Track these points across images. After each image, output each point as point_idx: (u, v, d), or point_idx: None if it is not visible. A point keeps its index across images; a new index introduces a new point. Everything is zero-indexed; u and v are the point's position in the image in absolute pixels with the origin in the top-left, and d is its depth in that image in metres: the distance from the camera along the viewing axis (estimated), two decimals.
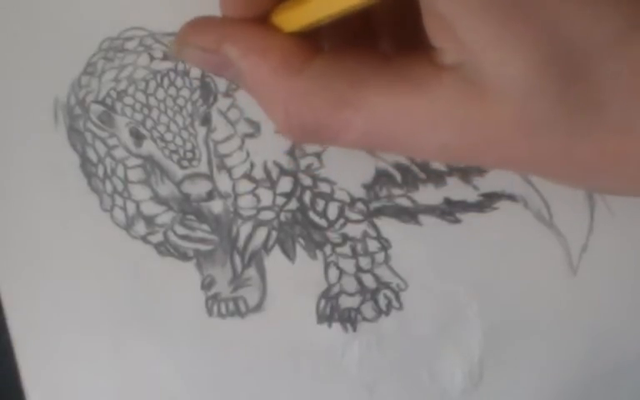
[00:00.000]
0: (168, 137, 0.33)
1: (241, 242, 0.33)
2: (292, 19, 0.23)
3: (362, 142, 0.23)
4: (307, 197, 0.33)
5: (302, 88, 0.23)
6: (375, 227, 0.33)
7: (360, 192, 0.33)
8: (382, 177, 0.33)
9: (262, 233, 0.33)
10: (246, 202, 0.33)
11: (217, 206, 0.33)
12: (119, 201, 0.33)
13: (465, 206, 0.33)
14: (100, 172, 0.33)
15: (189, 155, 0.33)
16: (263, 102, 0.24)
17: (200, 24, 0.24)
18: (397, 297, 0.33)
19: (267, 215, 0.33)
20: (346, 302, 0.33)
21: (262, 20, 0.24)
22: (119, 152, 0.33)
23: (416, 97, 0.22)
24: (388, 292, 0.33)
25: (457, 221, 0.33)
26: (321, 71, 0.23)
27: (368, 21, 0.26)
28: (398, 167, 0.33)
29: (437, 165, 0.33)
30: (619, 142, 0.21)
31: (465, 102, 0.21)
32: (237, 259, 0.33)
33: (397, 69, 0.22)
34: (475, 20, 0.20)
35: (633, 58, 0.20)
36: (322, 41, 0.26)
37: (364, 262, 0.33)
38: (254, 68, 0.23)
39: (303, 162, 0.33)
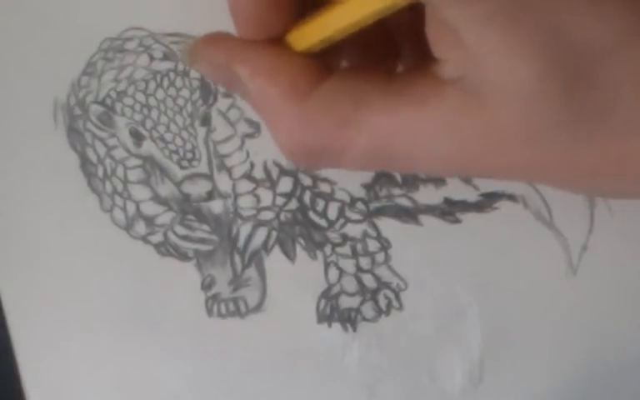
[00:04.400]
0: (168, 137, 0.33)
1: (241, 243, 0.33)
2: (306, 37, 0.23)
3: (365, 162, 0.23)
4: (307, 197, 0.33)
5: (307, 114, 0.23)
6: (375, 227, 0.33)
7: (360, 192, 0.33)
8: (382, 177, 0.33)
9: (262, 233, 0.33)
10: (246, 202, 0.33)
11: (217, 206, 0.33)
12: (119, 201, 0.33)
13: (465, 206, 0.33)
14: (100, 172, 0.33)
15: (189, 155, 0.33)
16: (269, 124, 0.24)
17: (213, 39, 0.25)
18: (397, 297, 0.33)
19: (267, 215, 0.33)
20: (346, 302, 0.33)
21: (277, 39, 0.24)
22: (119, 153, 0.33)
23: (417, 113, 0.22)
24: (388, 292, 0.33)
25: (457, 221, 0.33)
26: (326, 94, 0.23)
27: (390, 36, 0.26)
28: None
29: None
30: (622, 146, 0.21)
31: (466, 113, 0.21)
32: (237, 259, 0.33)
33: (399, 86, 0.22)
34: (480, 26, 0.20)
35: (636, 62, 0.20)
36: (342, 58, 0.26)
37: (364, 262, 0.33)
38: (261, 91, 0.23)
39: None
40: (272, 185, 0.33)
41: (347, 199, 0.33)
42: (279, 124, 0.23)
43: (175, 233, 0.33)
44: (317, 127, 0.23)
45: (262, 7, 0.23)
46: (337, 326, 0.33)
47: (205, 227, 0.33)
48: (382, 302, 0.33)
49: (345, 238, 0.33)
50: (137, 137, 0.33)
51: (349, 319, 0.33)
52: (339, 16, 0.22)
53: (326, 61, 0.24)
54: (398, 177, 0.33)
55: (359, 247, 0.33)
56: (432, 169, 0.23)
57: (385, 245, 0.33)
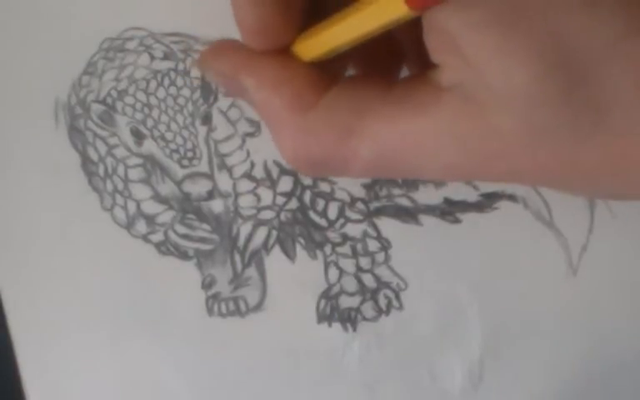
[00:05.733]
0: (169, 136, 0.33)
1: (241, 242, 0.33)
2: (312, 47, 0.23)
3: (369, 170, 0.23)
4: (307, 197, 0.33)
5: (310, 125, 0.23)
6: (375, 226, 0.33)
7: (360, 192, 0.33)
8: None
9: (262, 233, 0.33)
10: (246, 201, 0.33)
11: (217, 205, 0.33)
12: (120, 200, 0.33)
13: (465, 206, 0.33)
14: (101, 171, 0.33)
15: (190, 154, 0.33)
16: (273, 134, 0.24)
17: (221, 49, 0.25)
18: (397, 297, 0.33)
19: (267, 214, 0.33)
20: (346, 302, 0.33)
21: (283, 50, 0.24)
22: (120, 152, 0.33)
23: (418, 120, 0.22)
24: (388, 292, 0.33)
25: (457, 221, 0.33)
26: (329, 105, 0.23)
27: (393, 43, 0.26)
28: None
29: None
30: (623, 145, 0.21)
31: (466, 118, 0.21)
32: (238, 259, 0.33)
33: (400, 94, 0.23)
34: (476, 32, 0.20)
35: (634, 60, 0.20)
36: (346, 66, 0.26)
37: (364, 261, 0.33)
38: (266, 102, 0.24)
39: None
40: (273, 184, 0.33)
41: (347, 199, 0.33)
42: (283, 135, 0.24)
43: (175, 232, 0.33)
44: (321, 137, 0.23)
45: (267, 19, 0.23)
46: (337, 326, 0.33)
47: (205, 226, 0.33)
48: (382, 302, 0.33)
49: (345, 238, 0.33)
50: (138, 136, 0.33)
51: (349, 319, 0.33)
52: (346, 28, 0.22)
53: (329, 69, 0.24)
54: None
55: (359, 246, 0.33)
56: (435, 176, 0.23)
57: (385, 245, 0.33)
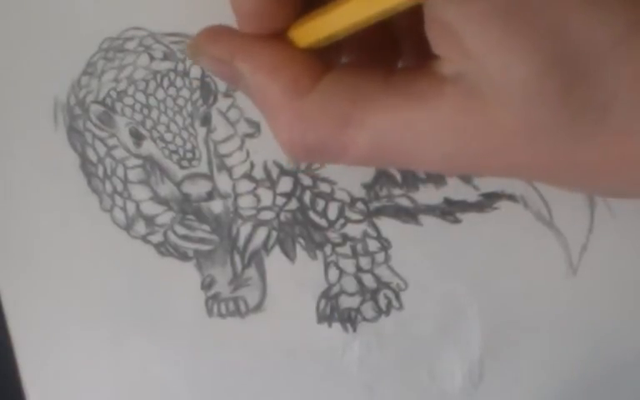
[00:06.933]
0: (168, 137, 0.33)
1: (241, 242, 0.33)
2: (308, 34, 0.23)
3: (366, 159, 0.23)
4: (307, 197, 0.33)
5: (307, 111, 0.23)
6: (375, 227, 0.33)
7: (360, 192, 0.33)
8: (382, 177, 0.33)
9: (262, 233, 0.33)
10: (246, 202, 0.33)
11: (217, 206, 0.33)
12: (119, 201, 0.33)
13: (465, 206, 0.33)
14: (100, 172, 0.33)
15: (189, 155, 0.33)
16: (269, 119, 0.24)
17: (215, 33, 0.24)
18: (397, 297, 0.33)
19: (267, 215, 0.33)
20: (346, 302, 0.33)
21: (278, 35, 0.24)
22: (119, 153, 0.33)
23: (417, 110, 0.22)
24: (388, 292, 0.33)
25: (457, 221, 0.33)
26: (327, 91, 0.23)
27: (390, 33, 0.26)
28: None
29: None
30: (622, 144, 0.21)
31: (467, 111, 0.21)
32: (237, 259, 0.33)
33: (399, 84, 0.22)
34: (477, 25, 0.20)
35: (635, 60, 0.20)
36: (342, 54, 0.26)
37: (364, 262, 0.33)
38: (262, 87, 0.23)
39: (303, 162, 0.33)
40: (272, 185, 0.33)
41: (347, 199, 0.33)
42: (279, 120, 0.23)
43: (175, 233, 0.33)
44: (318, 124, 0.23)
45: (263, 2, 0.23)
46: (337, 326, 0.33)
47: (205, 226, 0.33)
48: (382, 302, 0.33)
49: (345, 238, 0.33)
50: (137, 137, 0.33)
51: (349, 319, 0.33)
52: (344, 14, 0.22)
53: (326, 56, 0.24)
54: (398, 177, 0.33)
55: (359, 247, 0.33)
56: (433, 168, 0.23)
57: (385, 245, 0.33)
